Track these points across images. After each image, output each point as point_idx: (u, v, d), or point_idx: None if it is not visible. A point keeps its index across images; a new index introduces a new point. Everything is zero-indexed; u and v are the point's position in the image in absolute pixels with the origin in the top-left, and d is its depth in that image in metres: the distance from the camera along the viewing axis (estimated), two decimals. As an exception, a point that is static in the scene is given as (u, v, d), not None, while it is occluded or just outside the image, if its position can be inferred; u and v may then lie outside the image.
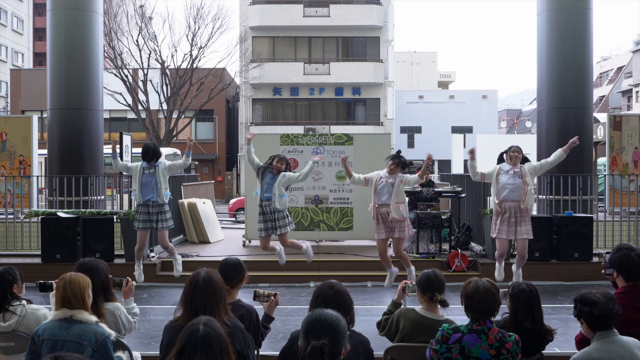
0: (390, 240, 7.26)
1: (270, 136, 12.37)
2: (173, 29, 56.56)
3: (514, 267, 7.42)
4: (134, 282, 4.34)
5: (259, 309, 3.95)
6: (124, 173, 8.41)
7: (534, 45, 11.47)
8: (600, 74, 51.66)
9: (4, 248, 9.97)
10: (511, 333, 3.35)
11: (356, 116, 33.88)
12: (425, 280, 3.91)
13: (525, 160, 7.40)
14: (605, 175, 11.50)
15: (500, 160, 7.44)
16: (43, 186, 11.82)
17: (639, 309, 3.65)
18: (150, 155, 7.71)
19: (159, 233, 7.83)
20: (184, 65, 25.87)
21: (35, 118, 11.72)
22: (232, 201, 19.25)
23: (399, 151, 7.36)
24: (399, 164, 7.08)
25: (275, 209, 7.53)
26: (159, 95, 25.66)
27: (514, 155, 7.23)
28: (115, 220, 9.27)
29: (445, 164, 35.61)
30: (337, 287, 3.33)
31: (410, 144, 38.96)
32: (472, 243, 10.11)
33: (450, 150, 29.36)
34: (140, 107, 25.44)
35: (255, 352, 3.55)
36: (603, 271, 4.06)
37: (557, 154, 7.43)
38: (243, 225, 11.73)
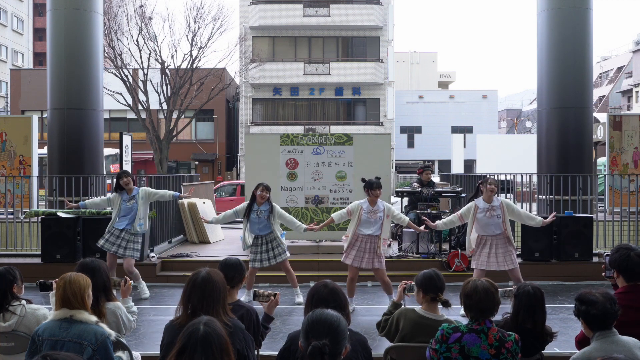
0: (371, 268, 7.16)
1: (270, 136, 12.36)
2: (173, 29, 56.60)
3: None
4: (131, 281, 4.36)
5: (259, 309, 3.95)
6: (105, 207, 8.40)
7: (534, 45, 11.48)
8: (600, 74, 51.66)
9: (4, 248, 9.97)
10: (511, 332, 3.35)
11: (356, 116, 33.89)
12: (428, 280, 3.90)
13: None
14: (605, 175, 11.50)
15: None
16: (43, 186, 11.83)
17: (639, 309, 3.65)
18: (127, 180, 7.68)
19: (125, 260, 7.67)
20: (184, 65, 25.85)
21: (35, 118, 11.72)
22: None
23: (378, 177, 7.30)
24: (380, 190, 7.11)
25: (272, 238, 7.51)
26: (159, 95, 25.65)
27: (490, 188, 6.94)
28: (115, 220, 9.26)
29: (445, 164, 35.62)
30: (331, 286, 3.34)
31: (410, 144, 38.98)
32: (472, 243, 10.09)
33: (450, 150, 29.35)
34: (140, 107, 25.43)
35: (255, 352, 3.55)
36: (603, 274, 4.06)
37: (535, 221, 7.20)
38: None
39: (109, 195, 8.03)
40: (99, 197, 8.27)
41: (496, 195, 7.02)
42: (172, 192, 7.97)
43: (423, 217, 7.51)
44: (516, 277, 6.84)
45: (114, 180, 7.92)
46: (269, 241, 7.50)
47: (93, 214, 9.37)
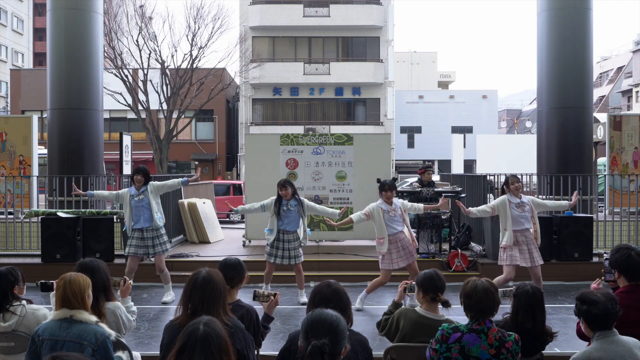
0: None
1: (270, 136, 12.37)
2: (173, 29, 56.60)
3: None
4: (130, 281, 4.36)
5: (259, 309, 3.95)
6: (113, 201, 8.25)
7: (534, 45, 11.48)
8: (600, 74, 51.66)
9: (4, 248, 9.97)
10: (511, 332, 3.35)
11: (356, 116, 33.89)
12: (429, 280, 3.90)
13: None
14: (605, 175, 11.50)
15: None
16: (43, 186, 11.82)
17: None
18: (139, 178, 7.54)
19: (156, 258, 7.59)
20: (184, 65, 25.86)
21: (35, 118, 11.72)
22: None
23: (394, 179, 7.53)
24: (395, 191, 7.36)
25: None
26: (159, 95, 25.65)
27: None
28: (115, 220, 9.27)
29: (445, 164, 35.61)
30: (334, 286, 3.34)
31: (410, 144, 38.96)
32: (472, 243, 10.11)
33: (450, 150, 29.34)
34: (140, 107, 25.43)
35: (255, 352, 3.55)
36: (603, 277, 4.06)
37: (563, 205, 7.47)
38: (243, 225, 11.72)
39: (120, 190, 7.83)
40: (107, 191, 8.04)
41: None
42: (180, 179, 7.80)
43: (457, 201, 7.83)
44: (537, 276, 6.96)
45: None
46: (291, 240, 7.51)
47: (93, 214, 9.37)
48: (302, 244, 7.62)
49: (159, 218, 7.57)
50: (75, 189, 8.06)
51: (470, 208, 7.35)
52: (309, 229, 7.87)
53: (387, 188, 7.21)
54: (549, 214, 9.91)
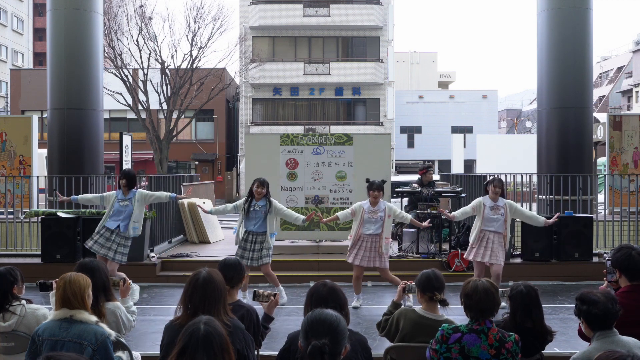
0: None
1: (270, 136, 12.36)
2: (173, 29, 56.60)
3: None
4: (130, 281, 4.36)
5: (259, 309, 3.95)
6: (98, 204, 8.05)
7: (534, 45, 11.47)
8: (600, 74, 51.65)
9: (4, 248, 9.97)
10: (511, 333, 3.35)
11: (356, 116, 33.88)
12: (425, 280, 3.91)
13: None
14: (605, 175, 11.50)
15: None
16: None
17: (640, 309, 3.65)
18: (130, 185, 7.44)
19: (110, 263, 7.27)
20: (184, 65, 25.85)
21: (35, 118, 11.72)
22: None
23: (383, 181, 7.62)
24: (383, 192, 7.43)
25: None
26: (159, 95, 25.65)
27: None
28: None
29: (445, 164, 35.61)
30: (330, 285, 3.34)
31: (410, 144, 38.95)
32: (472, 243, 10.09)
33: (450, 150, 29.35)
34: (140, 107, 25.43)
35: (255, 352, 3.55)
36: (605, 278, 4.05)
37: (538, 221, 7.46)
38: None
39: (106, 193, 7.77)
40: (92, 194, 7.93)
41: (500, 197, 7.29)
42: (168, 194, 7.68)
43: (439, 209, 8.17)
44: (496, 274, 7.08)
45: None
46: (259, 242, 7.40)
47: (93, 214, 9.37)
48: (268, 247, 7.43)
49: (134, 229, 7.44)
50: (58, 195, 8.08)
51: (453, 213, 7.53)
52: (275, 232, 7.71)
53: (374, 188, 7.31)
54: (549, 214, 9.91)
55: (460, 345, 3.25)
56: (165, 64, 25.69)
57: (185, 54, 25.98)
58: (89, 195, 8.00)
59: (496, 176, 8.00)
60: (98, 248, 7.35)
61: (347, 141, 10.59)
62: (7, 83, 41.09)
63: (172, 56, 27.24)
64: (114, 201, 7.46)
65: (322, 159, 10.48)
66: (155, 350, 4.44)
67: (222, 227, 12.77)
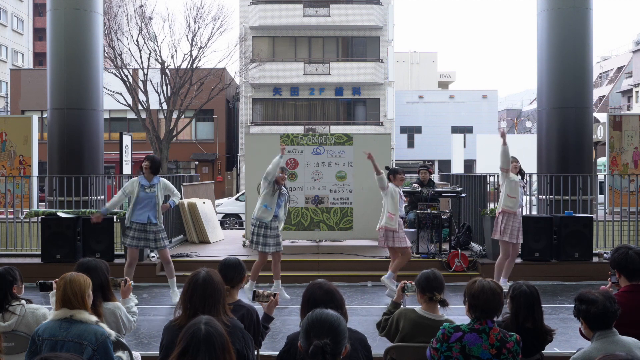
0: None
1: (270, 136, 12.37)
2: (173, 29, 56.62)
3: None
4: (131, 281, 4.35)
5: (259, 309, 3.95)
6: (125, 200, 7.83)
7: (534, 45, 11.47)
8: (600, 74, 51.65)
9: (4, 248, 9.97)
10: (512, 333, 3.35)
11: (356, 116, 33.88)
12: (425, 280, 3.91)
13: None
14: (605, 175, 11.49)
15: None
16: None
17: (640, 309, 3.65)
18: (153, 169, 7.35)
19: (161, 252, 7.47)
20: (184, 65, 25.85)
21: (35, 118, 11.71)
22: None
23: (388, 167, 8.01)
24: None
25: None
26: (159, 95, 25.65)
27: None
28: (115, 220, 9.26)
29: (445, 164, 35.61)
30: (326, 287, 3.32)
31: (410, 144, 38.96)
32: (472, 243, 10.10)
33: (450, 150, 29.35)
34: (140, 107, 25.43)
35: (255, 352, 3.55)
36: (609, 279, 4.05)
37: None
38: (243, 226, 11.72)
39: (125, 185, 7.57)
40: (115, 197, 7.77)
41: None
42: (176, 200, 7.64)
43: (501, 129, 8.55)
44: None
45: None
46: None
47: (93, 213, 9.35)
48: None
49: (161, 217, 7.52)
50: (92, 219, 7.81)
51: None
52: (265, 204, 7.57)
53: (401, 172, 7.75)
54: (549, 214, 9.90)
55: (461, 344, 3.25)
56: (165, 64, 25.70)
57: (185, 54, 25.99)
58: (114, 199, 7.64)
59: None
60: (138, 242, 7.35)
61: (347, 141, 10.59)
62: (7, 83, 41.09)
63: (172, 56, 27.28)
64: (138, 190, 7.28)
65: (322, 159, 10.49)
66: (155, 351, 4.44)
67: (222, 228, 12.75)
